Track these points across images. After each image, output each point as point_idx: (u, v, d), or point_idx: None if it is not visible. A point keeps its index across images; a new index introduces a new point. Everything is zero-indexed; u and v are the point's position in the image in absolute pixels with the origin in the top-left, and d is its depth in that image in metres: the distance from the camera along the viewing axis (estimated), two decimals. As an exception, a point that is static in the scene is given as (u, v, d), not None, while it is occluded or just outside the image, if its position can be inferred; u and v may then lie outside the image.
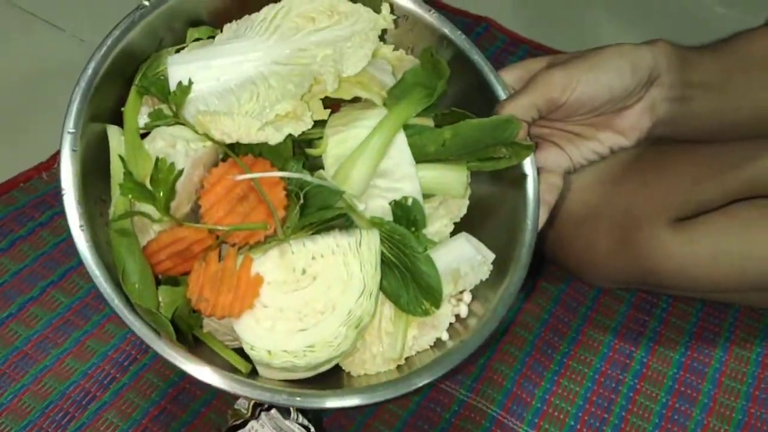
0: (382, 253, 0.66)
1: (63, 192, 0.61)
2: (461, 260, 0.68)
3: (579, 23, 1.27)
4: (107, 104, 0.67)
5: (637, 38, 0.76)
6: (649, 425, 0.84)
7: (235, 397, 0.68)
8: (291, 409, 0.67)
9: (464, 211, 0.73)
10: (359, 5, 0.69)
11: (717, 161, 0.84)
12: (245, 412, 0.67)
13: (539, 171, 0.71)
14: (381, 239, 0.66)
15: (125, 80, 0.68)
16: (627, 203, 0.84)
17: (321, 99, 0.69)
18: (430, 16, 0.74)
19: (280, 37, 0.69)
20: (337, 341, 0.63)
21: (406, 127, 0.69)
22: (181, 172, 0.63)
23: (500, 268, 0.70)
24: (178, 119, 0.66)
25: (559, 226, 0.87)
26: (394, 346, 0.67)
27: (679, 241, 0.83)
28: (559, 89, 0.69)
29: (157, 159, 0.62)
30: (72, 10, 1.17)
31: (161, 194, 0.62)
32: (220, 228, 0.64)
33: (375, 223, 0.67)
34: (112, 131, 0.67)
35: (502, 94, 0.71)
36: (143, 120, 0.68)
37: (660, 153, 0.86)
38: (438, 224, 0.72)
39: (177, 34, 0.71)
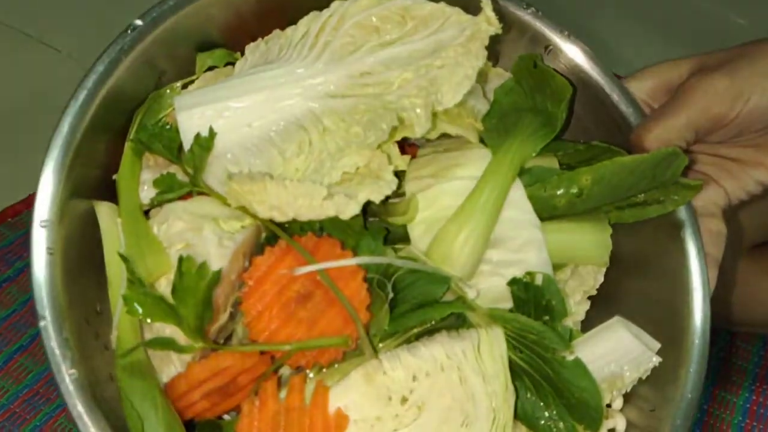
0: (510, 360, 0.46)
1: (41, 322, 0.40)
2: (621, 358, 0.48)
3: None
4: (94, 170, 0.47)
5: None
6: None
7: None
8: None
9: (601, 279, 0.52)
10: (443, 4, 0.49)
11: None
12: None
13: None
14: (507, 340, 0.46)
15: (117, 133, 0.48)
16: None
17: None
18: (525, 13, 0.53)
19: (332, 58, 0.48)
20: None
21: (521, 173, 0.48)
22: (218, 273, 0.42)
23: (664, 357, 0.50)
24: (199, 188, 0.45)
25: None
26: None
27: (755, 270, 0.77)
28: (728, 102, 0.50)
29: (181, 259, 0.41)
30: (68, 30, 1.10)
31: (190, 312, 0.41)
32: (278, 347, 0.43)
33: (496, 316, 0.46)
34: (104, 210, 0.47)
35: (631, 116, 0.51)
36: (146, 192, 0.47)
37: None
38: (569, 302, 0.51)
39: (182, 64, 0.50)
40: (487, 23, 0.47)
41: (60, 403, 0.70)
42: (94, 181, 0.48)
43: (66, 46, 1.08)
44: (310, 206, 0.43)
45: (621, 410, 0.51)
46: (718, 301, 0.70)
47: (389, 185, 0.45)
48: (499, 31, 0.48)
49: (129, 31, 0.47)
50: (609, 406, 0.51)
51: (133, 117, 0.49)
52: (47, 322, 0.41)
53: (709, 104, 0.51)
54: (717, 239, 0.54)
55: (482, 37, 0.47)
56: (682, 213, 0.52)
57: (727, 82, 0.51)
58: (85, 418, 0.40)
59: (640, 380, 0.51)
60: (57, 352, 0.41)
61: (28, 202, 0.88)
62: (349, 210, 0.44)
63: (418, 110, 0.46)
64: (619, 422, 0.50)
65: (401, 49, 0.49)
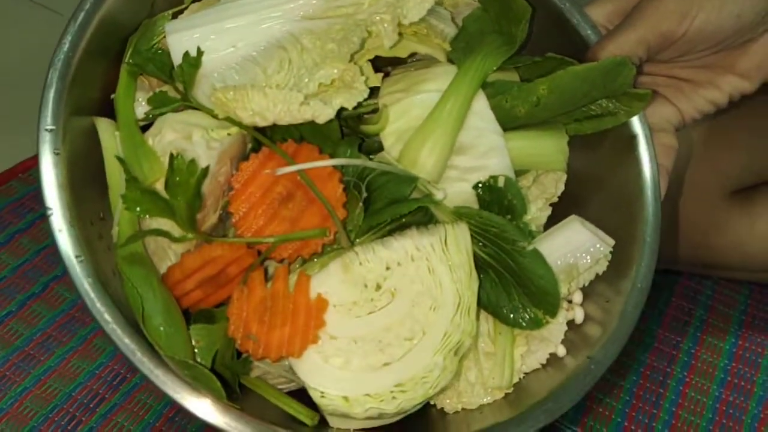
0: (475, 253, 0.51)
1: (49, 212, 0.46)
2: (578, 251, 0.53)
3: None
4: (93, 91, 0.52)
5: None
6: (702, 420, 0.79)
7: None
8: None
9: (562, 188, 0.58)
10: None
11: None
12: None
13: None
14: (471, 235, 0.51)
15: (113, 58, 0.53)
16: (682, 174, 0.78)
17: (369, 60, 0.53)
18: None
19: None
20: (434, 375, 0.49)
21: (485, 86, 0.54)
22: (206, 170, 0.47)
23: (620, 256, 0.55)
24: (189, 102, 0.51)
25: None
26: (500, 371, 0.52)
27: (737, 214, 0.80)
28: (676, 18, 0.55)
29: (172, 156, 0.47)
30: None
31: (182, 204, 0.47)
32: (263, 240, 0.49)
33: (462, 213, 0.52)
34: (103, 125, 0.52)
35: (591, 36, 0.56)
36: (142, 108, 0.52)
37: (714, 124, 0.79)
38: (532, 208, 0.57)
39: (172, -6, 0.55)
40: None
41: (72, 345, 0.75)
42: (93, 101, 0.53)
43: (67, 10, 1.13)
44: (289, 111, 0.49)
45: (580, 305, 0.57)
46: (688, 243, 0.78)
47: (361, 93, 0.51)
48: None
49: (122, -36, 0.53)
50: (570, 301, 0.57)
51: (128, 42, 0.54)
52: (54, 212, 0.46)
53: (658, 21, 0.56)
54: (669, 152, 0.59)
55: (444, -43, 0.52)
56: (637, 127, 0.57)
57: (675, 1, 0.56)
58: (91, 293, 0.45)
59: (597, 277, 0.57)
60: (66, 235, 0.46)
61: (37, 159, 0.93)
62: (325, 114, 0.49)
63: (386, 24, 0.51)
64: (578, 313, 0.56)
65: (371, -26, 0.54)
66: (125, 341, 0.45)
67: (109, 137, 0.52)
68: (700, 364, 0.85)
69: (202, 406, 0.46)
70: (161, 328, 0.47)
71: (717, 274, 0.89)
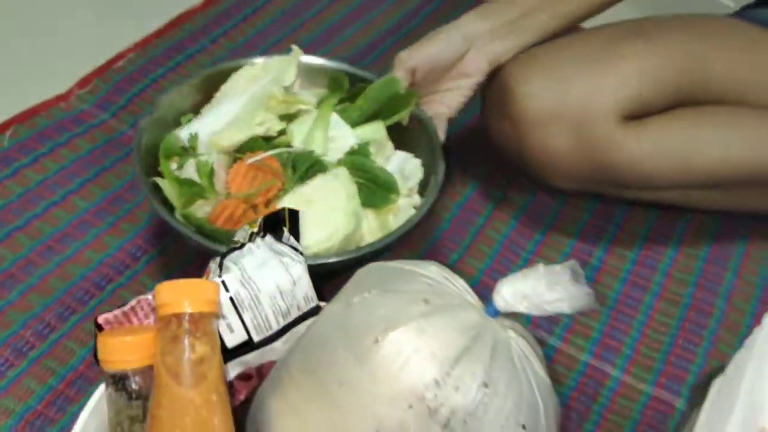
0: (353, 178, 1.09)
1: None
2: (403, 164, 1.10)
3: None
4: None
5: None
6: (603, 308, 1.02)
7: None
8: (283, 233, 0.80)
9: (391, 152, 1.15)
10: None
11: (661, 59, 0.98)
12: (243, 240, 0.78)
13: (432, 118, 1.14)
14: (349, 170, 1.08)
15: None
16: (580, 102, 0.96)
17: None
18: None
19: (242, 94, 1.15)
20: (348, 225, 1.03)
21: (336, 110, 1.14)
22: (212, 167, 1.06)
23: (428, 172, 1.12)
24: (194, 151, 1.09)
25: (519, 130, 1.01)
26: (383, 225, 1.07)
27: (630, 137, 0.95)
28: (404, 60, 1.05)
29: (198, 162, 1.05)
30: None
31: (207, 182, 1.04)
32: (248, 193, 1.05)
33: (341, 161, 1.10)
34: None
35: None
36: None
37: (605, 49, 1.00)
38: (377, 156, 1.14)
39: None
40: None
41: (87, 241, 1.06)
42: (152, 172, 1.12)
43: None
44: (239, 138, 1.08)
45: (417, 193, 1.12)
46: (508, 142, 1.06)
47: (275, 124, 1.10)
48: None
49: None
50: (412, 195, 1.13)
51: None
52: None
53: (399, 63, 1.11)
54: (442, 128, 1.08)
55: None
56: (424, 117, 1.15)
57: (403, 53, 1.09)
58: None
59: (421, 183, 1.13)
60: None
61: (57, 99, 1.23)
62: (272, 129, 1.08)
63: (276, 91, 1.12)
64: (416, 199, 1.11)
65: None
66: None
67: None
68: (608, 268, 1.05)
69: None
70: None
71: (626, 195, 1.06)
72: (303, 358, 0.64)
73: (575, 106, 0.96)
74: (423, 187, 1.08)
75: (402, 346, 0.58)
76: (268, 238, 0.78)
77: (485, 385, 0.57)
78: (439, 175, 1.08)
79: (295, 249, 0.77)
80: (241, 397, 0.69)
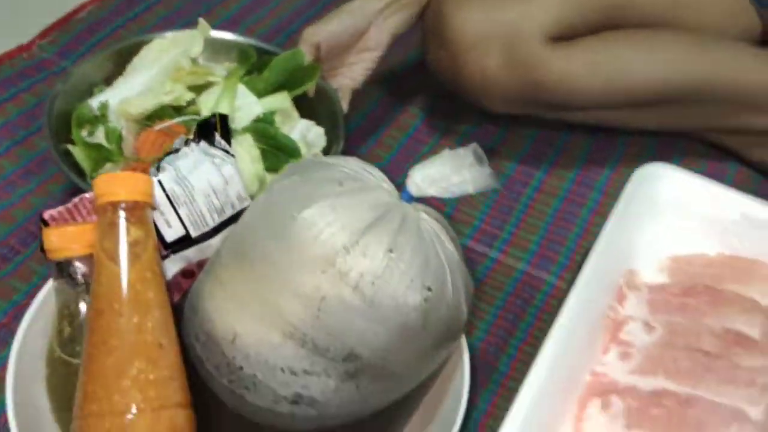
0: (256, 143, 1.17)
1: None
2: (306, 132, 1.19)
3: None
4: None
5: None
6: (542, 222, 1.11)
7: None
8: (215, 137, 0.87)
9: (298, 122, 1.24)
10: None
11: None
12: (179, 146, 0.85)
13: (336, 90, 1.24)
14: (253, 137, 1.16)
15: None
16: (510, 25, 1.02)
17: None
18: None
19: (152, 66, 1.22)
20: (251, 187, 1.10)
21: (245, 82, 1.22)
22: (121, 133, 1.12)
23: (330, 137, 1.21)
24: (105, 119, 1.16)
25: (454, 55, 1.07)
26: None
27: (557, 56, 1.01)
28: (309, 36, 1.13)
29: (107, 128, 1.11)
30: None
31: (116, 148, 1.10)
32: (156, 156, 1.12)
33: (245, 129, 1.18)
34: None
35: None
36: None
37: None
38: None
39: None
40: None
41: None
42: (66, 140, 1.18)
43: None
44: (147, 106, 1.15)
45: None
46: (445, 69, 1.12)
47: (183, 94, 1.18)
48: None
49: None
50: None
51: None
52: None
53: (305, 39, 1.21)
54: (346, 98, 1.25)
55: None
56: (329, 88, 1.25)
57: (308, 29, 1.20)
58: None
59: (324, 150, 1.22)
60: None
61: (20, 49, 1.32)
62: (181, 99, 1.16)
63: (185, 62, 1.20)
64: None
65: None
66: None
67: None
68: (547, 188, 1.13)
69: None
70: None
71: (562, 117, 1.13)
72: (231, 243, 0.72)
73: (506, 29, 1.02)
74: (326, 155, 1.14)
75: (315, 220, 0.65)
76: (202, 143, 0.85)
77: (391, 251, 0.65)
78: (341, 144, 1.17)
79: (227, 152, 0.85)
80: (184, 290, 0.75)
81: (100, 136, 1.14)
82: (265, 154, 1.16)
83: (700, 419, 0.59)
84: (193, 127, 0.97)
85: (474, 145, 0.69)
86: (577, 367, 0.64)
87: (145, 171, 1.01)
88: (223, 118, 0.90)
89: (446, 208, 1.12)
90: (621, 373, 0.64)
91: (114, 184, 0.67)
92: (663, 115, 1.12)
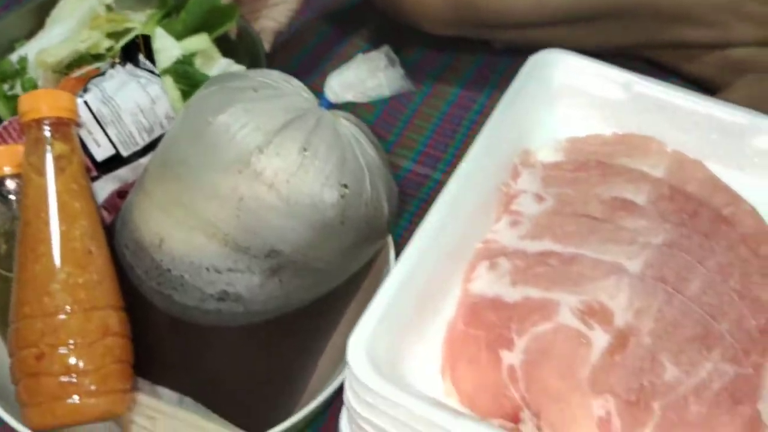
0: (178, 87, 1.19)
1: None
2: (226, 70, 1.22)
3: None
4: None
5: None
6: (458, 138, 1.14)
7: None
8: (140, 59, 0.92)
9: (218, 61, 1.27)
10: None
11: None
12: (104, 69, 0.89)
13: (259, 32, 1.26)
14: (174, 78, 1.19)
15: None
16: None
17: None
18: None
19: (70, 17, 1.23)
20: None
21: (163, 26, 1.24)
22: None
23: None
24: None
25: None
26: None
27: None
28: None
29: (23, 79, 1.13)
30: None
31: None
32: (81, 99, 1.14)
33: (166, 70, 1.20)
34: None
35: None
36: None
37: None
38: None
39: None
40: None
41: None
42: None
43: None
44: (62, 54, 1.17)
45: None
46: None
47: (99, 42, 1.20)
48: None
49: None
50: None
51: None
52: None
53: None
54: (268, 40, 1.30)
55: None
56: (251, 31, 1.27)
57: None
58: None
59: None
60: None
61: None
62: (101, 46, 1.18)
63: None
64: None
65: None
66: None
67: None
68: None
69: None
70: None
71: (500, 36, 1.15)
72: (156, 156, 0.75)
73: None
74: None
75: (230, 123, 0.69)
76: (128, 65, 0.88)
77: (305, 149, 0.69)
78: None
79: (152, 72, 0.88)
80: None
81: (19, 90, 1.16)
82: (185, 95, 1.19)
83: (581, 273, 0.64)
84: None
85: (386, 48, 0.72)
86: (469, 235, 0.69)
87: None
88: (147, 39, 0.93)
89: (391, 136, 1.16)
90: (510, 239, 0.68)
91: (37, 101, 0.70)
92: (599, 32, 1.11)
